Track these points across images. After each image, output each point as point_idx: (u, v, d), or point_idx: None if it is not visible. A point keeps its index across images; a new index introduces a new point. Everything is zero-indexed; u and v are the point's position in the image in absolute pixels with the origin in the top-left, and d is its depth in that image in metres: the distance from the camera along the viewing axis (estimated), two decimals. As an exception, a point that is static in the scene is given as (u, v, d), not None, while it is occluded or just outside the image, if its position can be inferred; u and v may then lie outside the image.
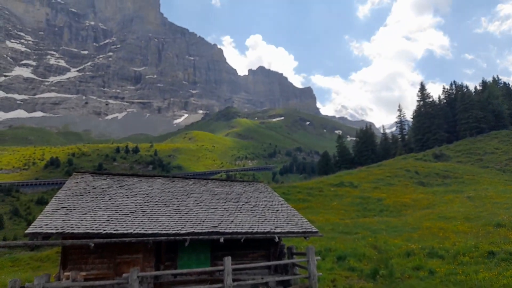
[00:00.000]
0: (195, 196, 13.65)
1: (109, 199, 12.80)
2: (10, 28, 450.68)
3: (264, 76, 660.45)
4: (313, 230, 12.18)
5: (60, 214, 11.53)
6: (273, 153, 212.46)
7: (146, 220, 11.22)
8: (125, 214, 11.71)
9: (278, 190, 39.58)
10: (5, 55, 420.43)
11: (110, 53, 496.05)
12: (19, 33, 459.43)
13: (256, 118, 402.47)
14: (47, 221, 10.93)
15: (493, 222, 21.43)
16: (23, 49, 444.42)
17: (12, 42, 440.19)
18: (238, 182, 16.19)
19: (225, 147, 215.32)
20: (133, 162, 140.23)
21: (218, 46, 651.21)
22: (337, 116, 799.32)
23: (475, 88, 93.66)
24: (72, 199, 12.68)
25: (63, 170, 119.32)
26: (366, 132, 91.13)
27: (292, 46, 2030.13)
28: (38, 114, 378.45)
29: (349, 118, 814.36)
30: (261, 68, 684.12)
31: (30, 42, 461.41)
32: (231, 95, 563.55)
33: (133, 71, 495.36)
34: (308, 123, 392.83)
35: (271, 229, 11.66)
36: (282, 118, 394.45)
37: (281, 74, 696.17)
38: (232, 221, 11.62)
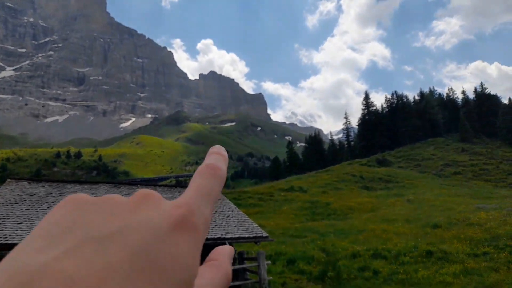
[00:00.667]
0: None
1: (48, 208, 11.91)
2: None
3: (215, 81, 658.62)
4: (264, 235, 12.26)
5: (-9, 225, 10.51)
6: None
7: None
8: (65, 223, 10.96)
9: (229, 195, 39.45)
10: None
11: (51, 52, 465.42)
12: None
13: (207, 123, 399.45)
14: (-25, 233, 9.90)
15: (431, 223, 23.11)
16: None
17: None
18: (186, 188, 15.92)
19: (175, 152, 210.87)
20: (76, 167, 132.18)
21: (168, 49, 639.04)
22: (287, 122, 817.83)
23: (414, 98, 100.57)
24: (6, 207, 11.64)
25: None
26: (314, 138, 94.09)
27: (244, 52, 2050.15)
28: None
29: (299, 125, 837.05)
30: (212, 73, 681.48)
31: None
32: (181, 99, 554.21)
33: (76, 72, 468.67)
34: (259, 128, 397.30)
35: (221, 235, 11.55)
36: (233, 123, 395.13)
37: (233, 79, 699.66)
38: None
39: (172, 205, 0.41)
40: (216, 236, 11.38)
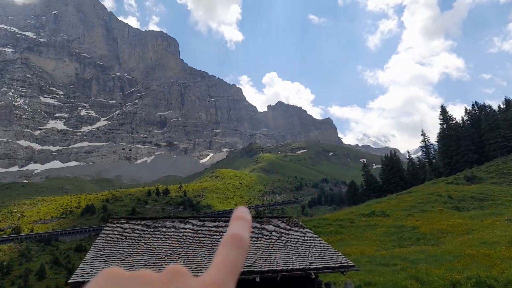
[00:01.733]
0: (227, 236, 13.85)
1: (145, 244, 13.14)
2: (42, 84, 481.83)
3: (283, 110, 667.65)
4: (350, 264, 11.93)
5: (100, 261, 11.93)
6: (300, 186, 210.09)
7: (182, 263, 11.42)
8: (161, 258, 11.96)
9: (309, 223, 38.90)
10: (39, 110, 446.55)
11: (136, 101, 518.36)
12: (51, 88, 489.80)
13: (279, 152, 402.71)
14: (88, 269, 11.33)
15: (541, 244, 20.17)
16: (55, 103, 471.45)
17: (45, 97, 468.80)
18: (268, 218, 16.24)
19: (252, 183, 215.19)
20: (164, 204, 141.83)
21: (237, 86, 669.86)
22: (359, 144, 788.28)
23: (499, 106, 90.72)
24: (110, 245, 13.10)
25: (98, 216, 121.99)
26: (391, 159, 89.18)
27: (307, 80, 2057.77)
28: (72, 163, 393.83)
29: (372, 146, 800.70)
30: (279, 103, 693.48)
31: (62, 96, 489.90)
32: (252, 131, 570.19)
33: (159, 116, 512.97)
34: (331, 153, 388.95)
35: (306, 265, 11.53)
36: (305, 150, 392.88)
37: (300, 107, 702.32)
38: (266, 259, 11.60)
39: (200, 283, 0.42)
40: (300, 267, 11.42)
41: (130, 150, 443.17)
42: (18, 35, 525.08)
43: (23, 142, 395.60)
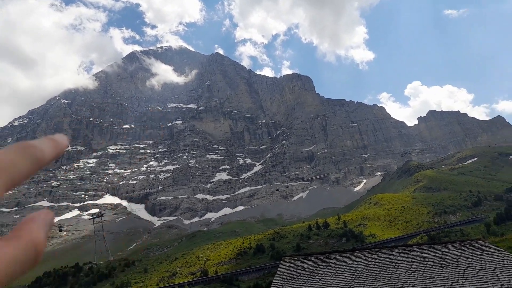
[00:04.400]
0: (405, 266, 12.68)
1: (319, 280, 13.27)
2: (207, 144, 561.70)
3: (437, 119, 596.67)
4: None
5: (281, 299, 12.57)
6: (478, 201, 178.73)
7: (361, 298, 11.00)
8: (338, 294, 11.81)
9: (501, 244, 32.26)
10: (207, 166, 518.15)
11: (283, 142, 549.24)
12: (213, 146, 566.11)
13: (443, 166, 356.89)
14: (273, 306, 12.07)
15: None
16: (219, 157, 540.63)
17: (210, 154, 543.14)
18: (449, 243, 14.27)
19: (416, 205, 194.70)
20: (326, 237, 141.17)
21: (378, 105, 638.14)
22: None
23: None
24: (287, 283, 13.73)
25: (268, 254, 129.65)
26: None
27: (460, 80, 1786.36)
28: (239, 208, 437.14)
29: None
30: (431, 112, 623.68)
31: (223, 151, 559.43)
32: (406, 148, 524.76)
33: (306, 152, 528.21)
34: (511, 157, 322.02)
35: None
36: (475, 159, 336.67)
37: (458, 111, 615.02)
38: (458, 291, 10.14)
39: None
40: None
41: (287, 187, 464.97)
42: (184, 109, 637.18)
43: (199, 196, 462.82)
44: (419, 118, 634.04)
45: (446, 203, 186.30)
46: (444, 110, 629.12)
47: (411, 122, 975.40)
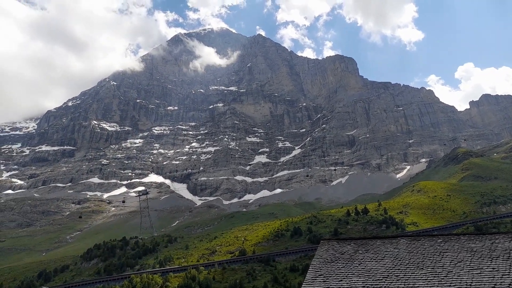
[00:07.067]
0: (450, 256, 12.18)
1: (359, 264, 13.13)
2: (247, 126, 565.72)
3: (491, 104, 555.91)
4: None
5: (319, 281, 12.63)
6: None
7: (402, 285, 10.79)
8: (378, 280, 11.66)
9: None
10: (247, 149, 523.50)
11: (324, 125, 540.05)
12: (253, 128, 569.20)
13: (495, 154, 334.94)
14: (311, 288, 12.16)
15: None
16: (258, 140, 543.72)
17: (250, 137, 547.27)
18: (501, 234, 13.48)
19: (463, 194, 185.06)
20: (365, 223, 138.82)
21: (426, 88, 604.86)
22: None
23: None
24: (326, 266, 13.72)
25: (305, 238, 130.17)
26: None
27: None
28: (277, 191, 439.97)
29: None
30: (485, 96, 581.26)
31: (262, 134, 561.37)
32: (454, 134, 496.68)
33: (347, 136, 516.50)
34: None
35: None
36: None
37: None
38: (509, 284, 9.59)
39: None
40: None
41: (327, 172, 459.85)
42: (225, 91, 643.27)
43: (239, 177, 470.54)
44: (471, 103, 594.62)
45: (497, 192, 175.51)
46: (500, 94, 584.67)
47: (461, 107, 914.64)
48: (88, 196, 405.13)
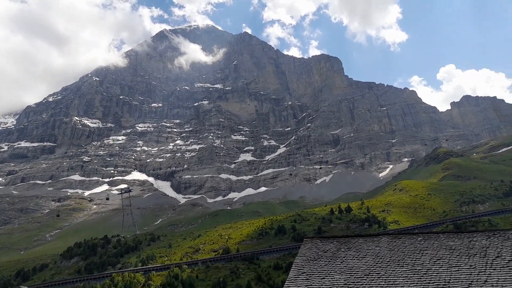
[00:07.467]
0: (429, 253, 12.43)
1: (341, 262, 13.25)
2: (232, 125, 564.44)
3: (472, 105, 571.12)
4: None
5: (302, 279, 12.69)
6: (510, 191, 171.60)
7: (383, 283, 10.94)
8: (360, 277, 11.79)
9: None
10: (232, 147, 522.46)
11: (308, 124, 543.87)
12: (238, 127, 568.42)
13: (474, 154, 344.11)
14: (293, 286, 12.20)
15: None
16: (243, 139, 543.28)
17: (235, 135, 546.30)
18: (478, 232, 13.82)
19: (443, 193, 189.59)
20: (348, 221, 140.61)
21: (409, 89, 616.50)
22: None
23: None
24: (309, 264, 13.79)
25: (289, 236, 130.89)
26: None
27: (498, 63, 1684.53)
28: (262, 189, 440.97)
29: None
30: (466, 97, 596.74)
31: (247, 132, 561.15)
32: (436, 135, 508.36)
33: (331, 135, 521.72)
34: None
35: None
36: (510, 147, 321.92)
37: (494, 97, 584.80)
38: (485, 281, 9.83)
39: None
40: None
41: (311, 171, 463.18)
42: (210, 89, 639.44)
43: (223, 175, 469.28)
44: (452, 104, 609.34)
45: (475, 192, 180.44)
46: (480, 96, 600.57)
47: (443, 107, 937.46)
48: (68, 193, 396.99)
